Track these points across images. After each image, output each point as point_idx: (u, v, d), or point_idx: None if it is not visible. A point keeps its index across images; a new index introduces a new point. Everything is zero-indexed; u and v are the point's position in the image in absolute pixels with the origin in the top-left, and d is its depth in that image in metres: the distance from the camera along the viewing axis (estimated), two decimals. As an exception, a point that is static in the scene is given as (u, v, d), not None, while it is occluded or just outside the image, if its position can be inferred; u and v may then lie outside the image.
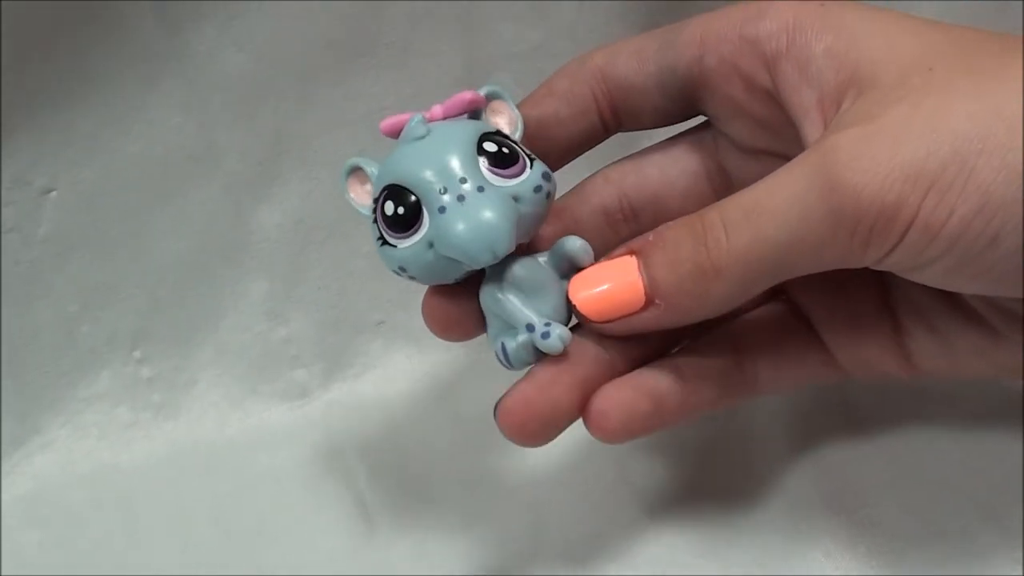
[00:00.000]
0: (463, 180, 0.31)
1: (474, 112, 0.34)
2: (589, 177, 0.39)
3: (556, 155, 0.36)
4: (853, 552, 0.40)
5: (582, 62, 0.36)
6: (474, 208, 0.31)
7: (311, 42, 0.44)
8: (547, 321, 0.32)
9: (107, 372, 0.47)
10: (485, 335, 0.35)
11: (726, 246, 0.30)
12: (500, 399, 0.33)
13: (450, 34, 0.44)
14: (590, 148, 0.38)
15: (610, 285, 0.32)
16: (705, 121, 0.38)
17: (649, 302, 0.32)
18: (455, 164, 0.31)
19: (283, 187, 0.47)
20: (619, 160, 0.39)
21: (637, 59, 0.36)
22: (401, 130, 0.33)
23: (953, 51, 0.30)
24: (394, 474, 0.45)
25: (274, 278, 0.48)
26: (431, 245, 0.31)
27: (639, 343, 0.35)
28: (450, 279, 0.33)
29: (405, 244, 0.32)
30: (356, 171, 0.34)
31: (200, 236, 0.47)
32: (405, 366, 0.49)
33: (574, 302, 0.33)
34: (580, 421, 0.34)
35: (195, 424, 0.48)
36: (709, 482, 0.44)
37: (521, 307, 0.33)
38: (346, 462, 0.46)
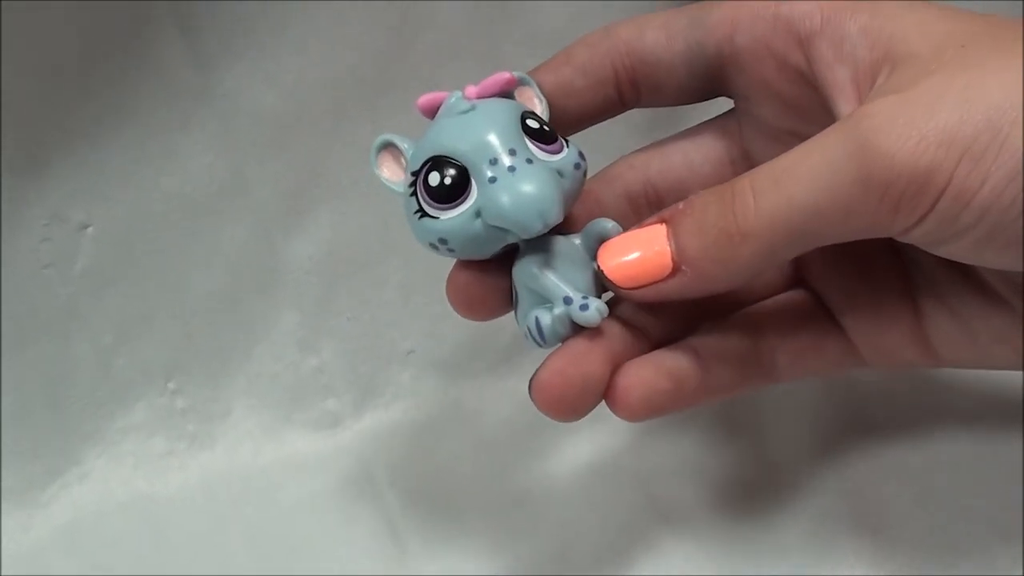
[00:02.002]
0: (512, 152, 0.31)
1: (505, 94, 0.34)
2: (613, 163, 0.39)
3: (564, 124, 0.35)
4: (877, 570, 0.41)
5: (607, 32, 0.36)
6: (525, 178, 0.31)
7: (340, 78, 0.45)
8: (584, 295, 0.32)
9: (142, 403, 0.48)
10: (512, 313, 0.35)
11: (754, 211, 0.30)
12: (534, 374, 0.33)
13: (476, 69, 0.43)
14: (601, 121, 0.37)
15: (639, 252, 0.32)
16: (730, 109, 0.38)
17: (676, 269, 0.32)
18: (504, 136, 0.32)
19: (313, 220, 0.47)
20: (643, 148, 0.39)
21: (666, 34, 0.36)
22: (438, 108, 0.34)
23: (983, 31, 0.31)
24: (424, 499, 0.46)
25: (305, 309, 0.48)
26: (478, 215, 0.32)
27: (663, 323, 0.35)
28: (487, 253, 0.33)
29: (449, 215, 0.32)
30: (388, 147, 0.34)
31: (232, 269, 0.47)
32: (434, 394, 0.50)
33: (603, 268, 0.33)
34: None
35: (229, 453, 0.48)
36: (733, 502, 0.44)
37: (558, 281, 0.33)
38: (377, 488, 0.46)
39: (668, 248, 0.32)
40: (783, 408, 0.46)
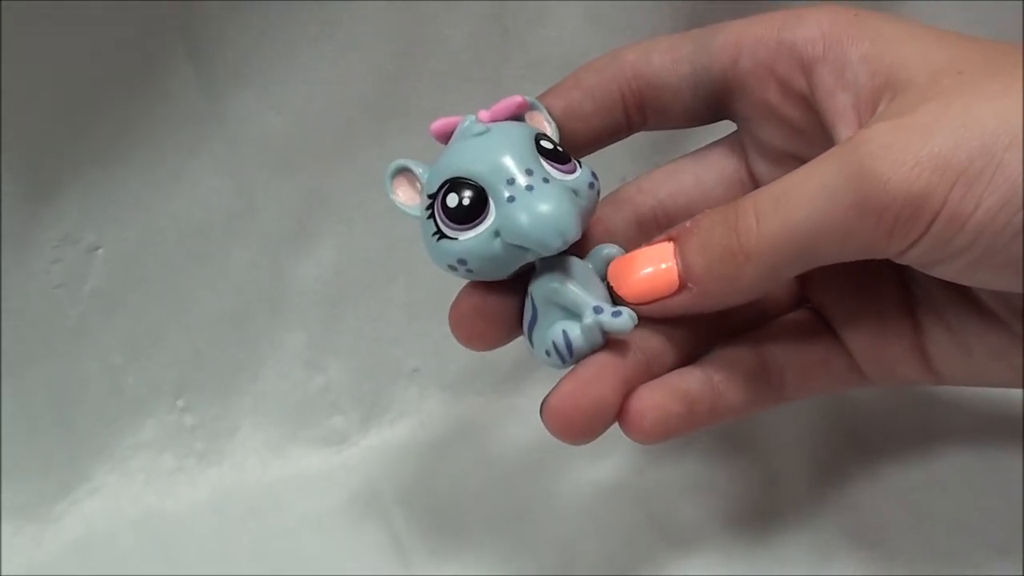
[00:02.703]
0: (528, 172, 0.32)
1: (516, 118, 0.35)
2: (622, 186, 0.39)
3: (573, 148, 0.35)
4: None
5: (614, 57, 0.37)
6: (542, 197, 0.31)
7: (346, 104, 0.45)
8: (612, 304, 0.33)
9: (152, 420, 0.48)
10: (523, 338, 0.35)
11: (756, 232, 0.31)
12: (545, 398, 0.33)
13: (481, 95, 0.45)
14: (609, 144, 0.38)
15: (648, 268, 0.33)
16: (735, 131, 0.38)
17: (683, 286, 0.32)
18: (520, 157, 0.32)
19: (320, 243, 0.48)
20: (651, 171, 0.39)
21: (671, 58, 0.36)
22: (451, 132, 0.34)
23: (979, 57, 0.31)
24: (430, 516, 0.46)
25: (312, 329, 0.49)
26: (497, 234, 0.32)
27: (673, 346, 0.35)
28: (505, 273, 0.33)
29: (468, 236, 0.32)
30: (402, 172, 0.35)
31: (240, 290, 0.47)
32: (439, 411, 0.50)
33: (612, 283, 0.33)
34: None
35: (237, 470, 0.49)
36: (733, 520, 0.44)
37: (583, 292, 0.33)
38: (383, 505, 0.47)
39: (675, 265, 0.32)
40: (783, 426, 0.47)
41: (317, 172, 0.47)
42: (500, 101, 0.34)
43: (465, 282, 0.35)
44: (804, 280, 0.38)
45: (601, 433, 0.33)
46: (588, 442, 0.33)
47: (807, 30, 0.34)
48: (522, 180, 0.32)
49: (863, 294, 0.37)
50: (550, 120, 0.36)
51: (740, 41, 0.35)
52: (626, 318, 0.32)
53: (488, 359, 0.50)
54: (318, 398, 0.49)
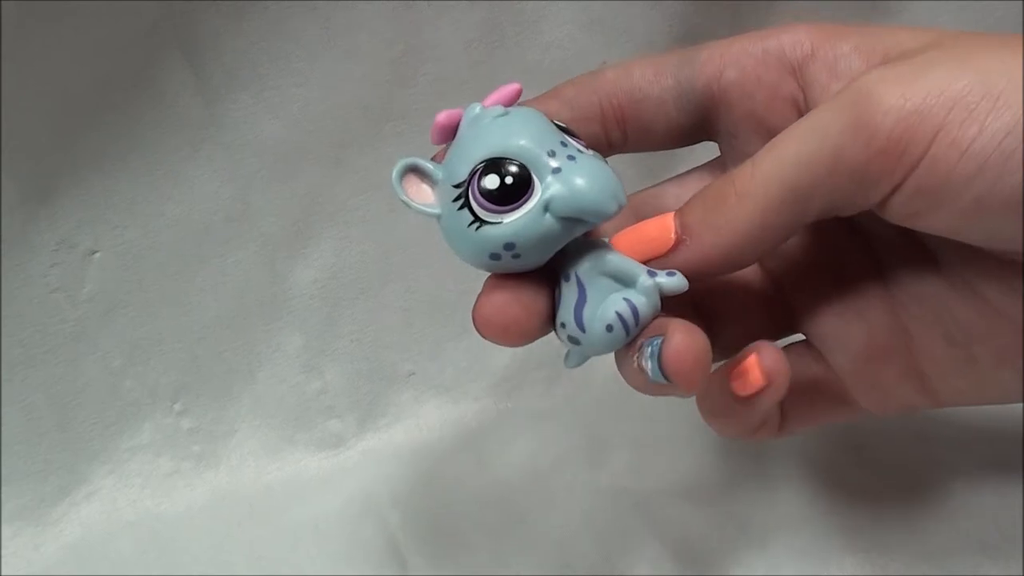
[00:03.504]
0: (564, 143, 0.31)
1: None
2: None
3: None
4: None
5: (593, 75, 0.36)
6: (587, 165, 0.30)
7: (343, 109, 0.46)
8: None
9: (149, 424, 0.48)
10: (556, 330, 0.33)
11: (750, 174, 0.31)
12: (660, 356, 0.31)
13: (474, 100, 0.44)
14: None
15: (647, 230, 0.33)
16: (716, 158, 0.38)
17: (679, 240, 0.32)
18: (551, 133, 0.31)
19: (316, 247, 0.48)
20: (637, 192, 0.38)
21: (654, 71, 0.36)
22: (457, 124, 0.32)
23: (974, 35, 0.31)
24: (426, 518, 0.46)
25: (309, 333, 0.49)
26: (546, 209, 0.30)
27: None
28: (549, 254, 0.31)
29: (514, 216, 0.30)
30: (411, 171, 0.32)
31: (237, 294, 0.48)
32: (435, 415, 0.50)
33: (611, 242, 0.33)
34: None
35: (234, 473, 0.49)
36: (729, 525, 0.44)
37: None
38: (379, 508, 0.47)
39: (673, 222, 0.32)
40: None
41: (314, 176, 0.47)
42: (498, 89, 0.33)
43: (485, 278, 0.33)
44: (788, 307, 0.37)
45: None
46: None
47: (792, 35, 0.34)
48: (561, 152, 0.31)
49: (848, 313, 0.36)
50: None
51: (725, 53, 0.35)
52: (680, 277, 0.31)
53: (483, 364, 0.51)
54: (315, 401, 0.50)
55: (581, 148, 0.31)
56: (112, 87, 0.43)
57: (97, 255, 0.46)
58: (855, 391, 0.36)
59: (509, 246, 0.31)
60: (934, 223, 0.30)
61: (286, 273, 0.48)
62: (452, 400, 0.51)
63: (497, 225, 0.30)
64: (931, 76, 0.28)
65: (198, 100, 0.44)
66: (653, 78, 0.36)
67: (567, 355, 0.35)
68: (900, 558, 0.42)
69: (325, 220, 0.48)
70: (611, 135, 0.36)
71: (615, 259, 0.32)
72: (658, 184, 0.39)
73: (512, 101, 0.33)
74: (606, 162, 0.31)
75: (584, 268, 0.32)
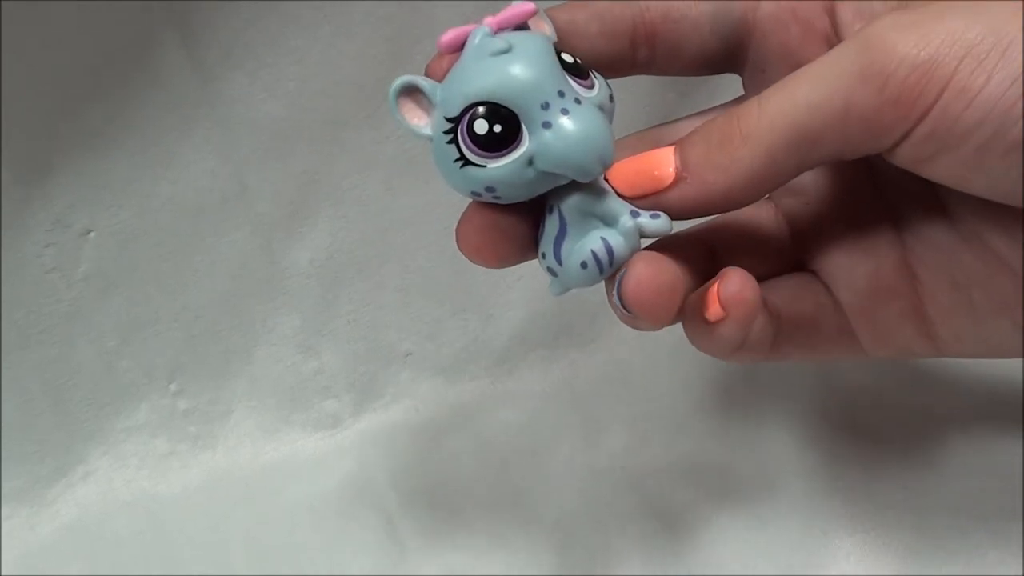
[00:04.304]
0: (561, 93, 0.30)
1: (520, 27, 0.32)
2: (622, 138, 0.37)
3: None
4: (868, 570, 0.42)
5: None
6: (578, 121, 0.30)
7: (339, 87, 0.45)
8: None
9: (145, 404, 0.48)
10: (539, 258, 0.33)
11: (756, 113, 0.30)
12: (619, 287, 0.31)
13: None
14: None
15: (646, 163, 0.32)
16: (739, 96, 0.37)
17: (678, 177, 0.31)
18: (550, 78, 0.30)
19: (313, 226, 0.48)
20: (650, 127, 0.38)
21: None
22: (462, 44, 0.31)
23: None
24: (423, 499, 0.46)
25: (305, 312, 0.49)
26: (531, 162, 0.30)
27: None
28: (533, 195, 0.31)
29: (498, 163, 0.30)
30: (409, 91, 0.32)
31: (233, 273, 0.47)
32: (432, 395, 0.50)
33: (609, 179, 0.32)
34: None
35: (230, 454, 0.49)
36: (727, 503, 0.45)
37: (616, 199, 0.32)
38: (377, 488, 0.47)
39: (673, 158, 0.32)
40: (776, 410, 0.47)
41: (310, 155, 0.47)
42: (509, 8, 0.32)
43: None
44: (800, 243, 0.37)
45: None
46: (668, 324, 0.32)
47: None
48: (556, 104, 0.30)
49: (858, 251, 0.36)
50: (553, 33, 0.33)
51: None
52: (665, 219, 0.31)
53: (481, 343, 0.50)
54: (311, 382, 0.50)
55: (580, 95, 0.30)
56: (107, 67, 0.43)
57: (92, 235, 0.45)
58: (857, 327, 0.36)
59: (490, 189, 0.31)
60: (938, 171, 0.30)
61: (282, 253, 0.48)
62: (449, 380, 0.50)
63: (481, 168, 0.30)
64: (944, 24, 0.28)
65: (193, 79, 0.44)
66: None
67: (551, 283, 0.34)
68: (899, 537, 0.42)
69: (321, 199, 0.47)
70: (638, 54, 0.35)
71: (600, 198, 0.31)
72: (675, 120, 0.38)
73: (522, 23, 0.32)
74: (602, 112, 0.31)
75: (568, 203, 0.32)
